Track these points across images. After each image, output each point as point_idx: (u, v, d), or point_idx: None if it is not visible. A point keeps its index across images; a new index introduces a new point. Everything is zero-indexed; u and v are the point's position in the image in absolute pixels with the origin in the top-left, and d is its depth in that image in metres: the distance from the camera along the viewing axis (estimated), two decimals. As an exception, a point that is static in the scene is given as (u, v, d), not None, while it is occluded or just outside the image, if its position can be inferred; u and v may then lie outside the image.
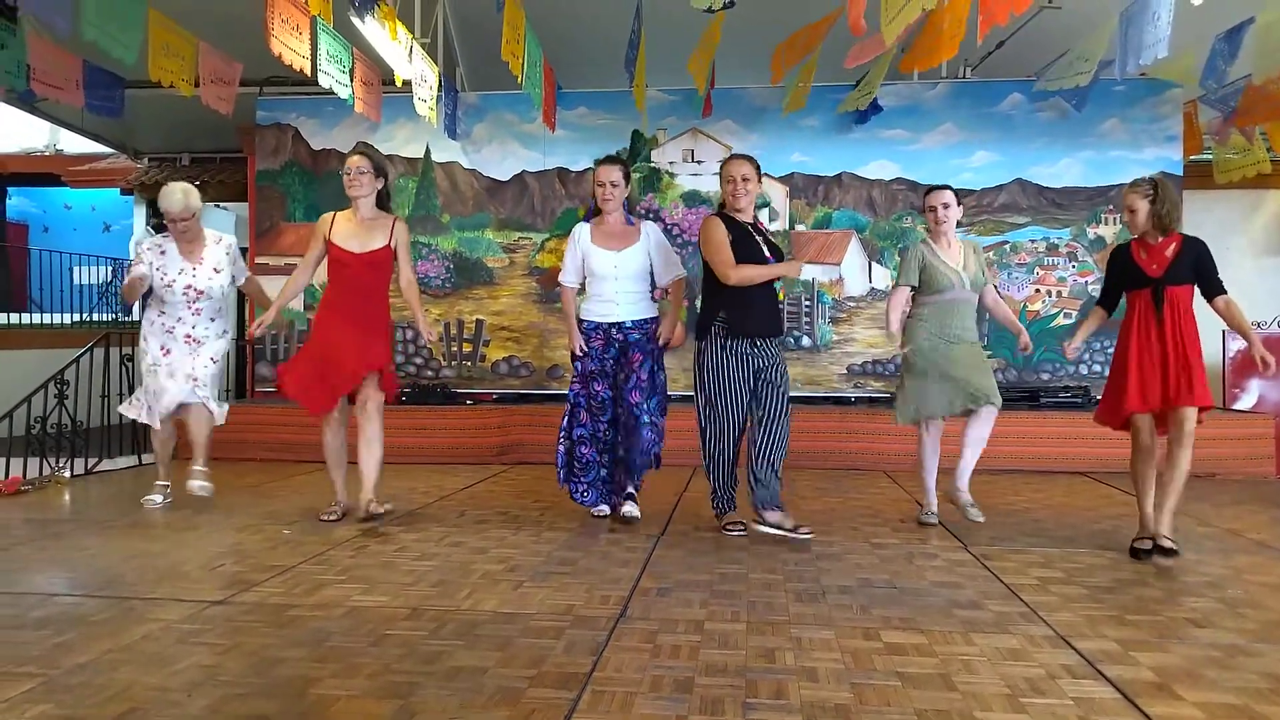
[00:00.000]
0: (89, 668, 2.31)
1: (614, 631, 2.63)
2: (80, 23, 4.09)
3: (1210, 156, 7.53)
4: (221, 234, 4.76)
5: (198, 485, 4.60)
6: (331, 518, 4.31)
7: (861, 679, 2.26)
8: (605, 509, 4.41)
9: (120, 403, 5.12)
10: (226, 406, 4.83)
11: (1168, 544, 3.54)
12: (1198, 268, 3.62)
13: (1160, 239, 3.65)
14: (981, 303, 4.32)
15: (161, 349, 4.62)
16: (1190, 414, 3.55)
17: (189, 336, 4.63)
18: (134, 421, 4.89)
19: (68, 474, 5.73)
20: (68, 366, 6.10)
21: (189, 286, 4.58)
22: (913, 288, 4.24)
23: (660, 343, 4.34)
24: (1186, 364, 3.54)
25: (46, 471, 5.69)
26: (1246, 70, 5.78)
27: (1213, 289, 3.65)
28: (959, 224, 4.43)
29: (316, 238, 4.35)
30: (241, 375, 9.23)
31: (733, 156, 4.19)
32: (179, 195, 4.47)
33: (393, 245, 4.32)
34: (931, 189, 4.31)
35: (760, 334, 4.00)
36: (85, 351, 6.26)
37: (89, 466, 6.06)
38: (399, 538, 3.94)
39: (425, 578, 3.24)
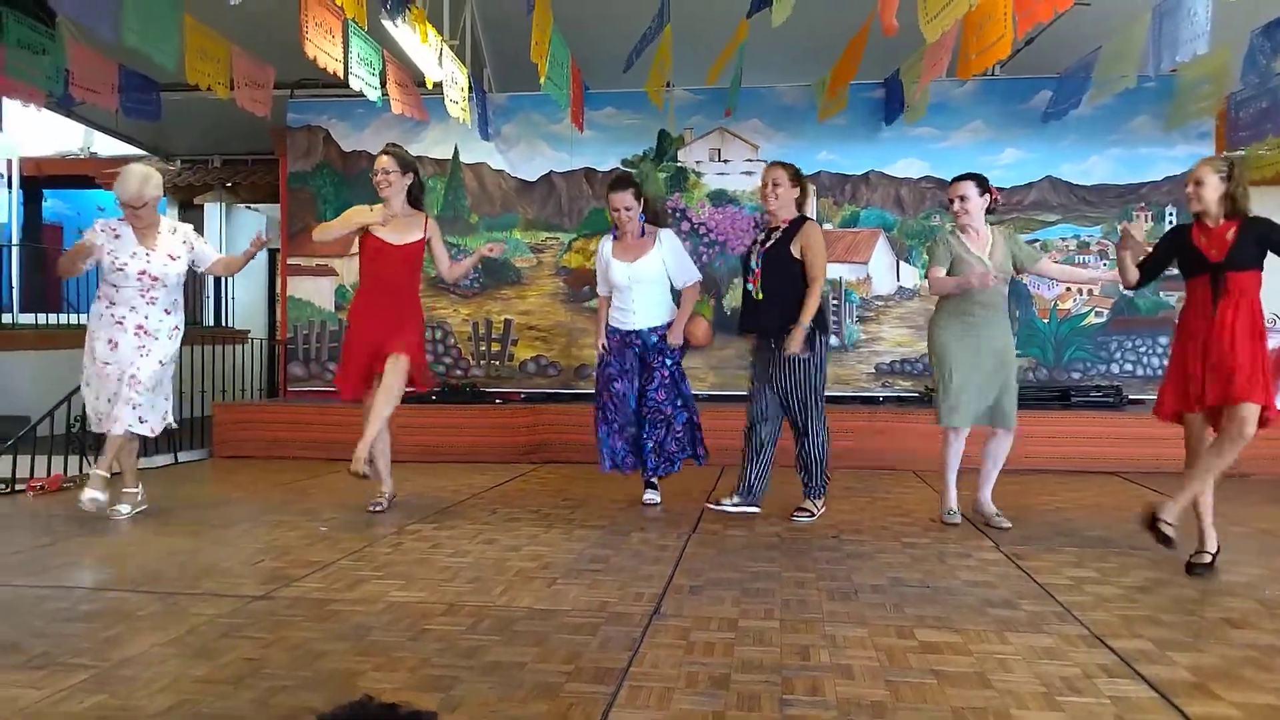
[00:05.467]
0: (137, 660, 2.37)
1: (648, 628, 2.65)
2: (122, 29, 4.17)
3: (1243, 152, 7.42)
4: (177, 224, 4.47)
5: (124, 508, 4.35)
6: (378, 509, 4.48)
7: (897, 676, 2.27)
8: (656, 497, 4.74)
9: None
10: (169, 407, 4.46)
11: (1167, 530, 3.32)
12: (1267, 244, 3.33)
13: (1221, 222, 3.42)
14: (1045, 275, 4.50)
15: (109, 343, 4.24)
16: (1248, 409, 3.23)
17: (141, 328, 4.27)
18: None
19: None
20: (106, 366, 6.20)
21: (143, 272, 4.24)
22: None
23: (671, 347, 4.57)
24: (1236, 359, 3.27)
25: (86, 469, 5.79)
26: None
27: None
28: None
29: (359, 216, 4.46)
30: (274, 374, 9.35)
31: (768, 164, 4.51)
32: (135, 182, 4.16)
33: (427, 237, 4.52)
34: (953, 180, 4.23)
35: (742, 329, 4.65)
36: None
37: (127, 464, 6.16)
38: (433, 534, 3.99)
39: (461, 574, 3.28)
